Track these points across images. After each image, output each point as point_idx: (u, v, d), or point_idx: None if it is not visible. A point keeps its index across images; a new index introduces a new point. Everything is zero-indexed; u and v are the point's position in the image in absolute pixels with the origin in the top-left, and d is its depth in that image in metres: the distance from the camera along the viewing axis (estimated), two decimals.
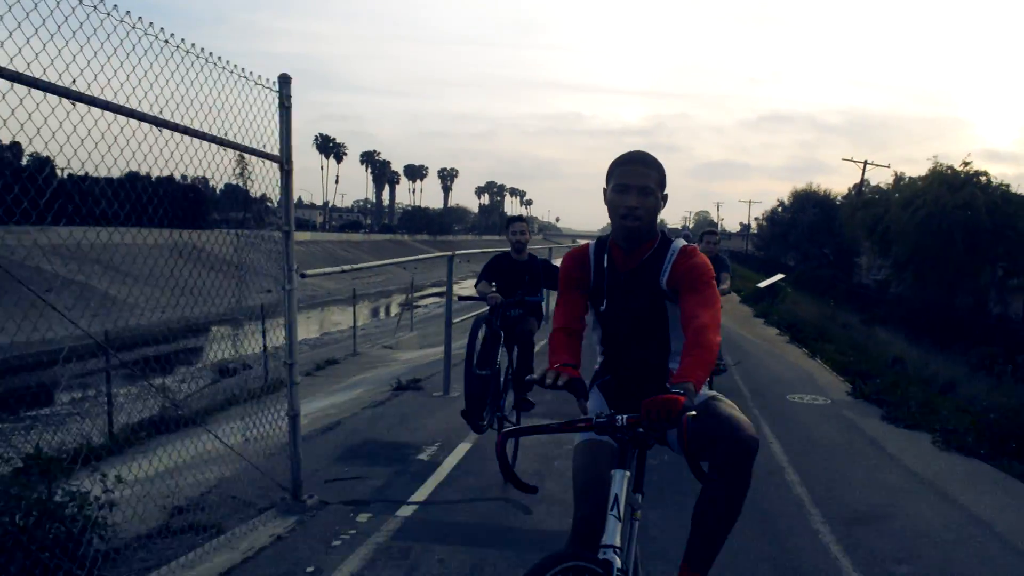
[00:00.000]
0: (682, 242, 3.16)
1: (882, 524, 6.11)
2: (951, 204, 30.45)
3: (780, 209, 59.04)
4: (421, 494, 6.36)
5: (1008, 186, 32.04)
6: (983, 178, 31.84)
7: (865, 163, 51.09)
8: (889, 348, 18.55)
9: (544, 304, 9.37)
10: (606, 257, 3.22)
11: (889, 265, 37.17)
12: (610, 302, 3.22)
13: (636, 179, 3.08)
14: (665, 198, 3.17)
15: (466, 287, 12.03)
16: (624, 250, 3.18)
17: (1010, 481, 7.63)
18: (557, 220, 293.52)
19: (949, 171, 32.57)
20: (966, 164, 32.43)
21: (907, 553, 5.52)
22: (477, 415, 6.75)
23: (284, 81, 5.55)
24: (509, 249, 7.59)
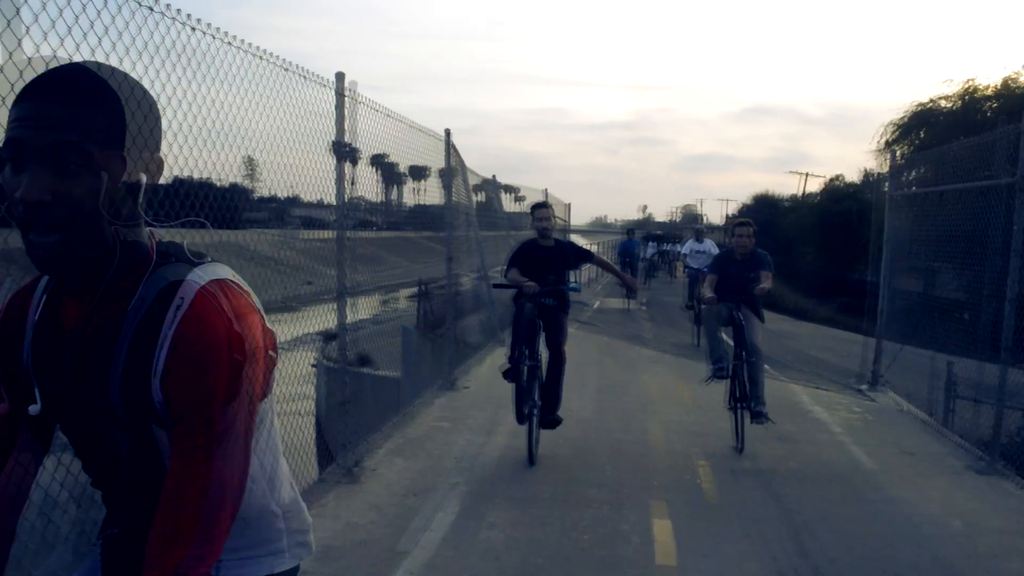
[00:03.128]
0: (197, 286, 1.35)
1: None
2: (835, 210, 37.44)
3: (744, 209, 64.25)
4: None
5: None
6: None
7: (806, 175, 64.63)
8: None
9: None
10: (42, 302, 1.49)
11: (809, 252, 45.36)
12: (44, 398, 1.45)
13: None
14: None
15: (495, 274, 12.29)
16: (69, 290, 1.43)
17: None
18: None
19: (840, 182, 43.12)
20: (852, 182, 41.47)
21: None
22: (520, 396, 6.60)
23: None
24: (535, 236, 7.31)
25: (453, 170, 10.63)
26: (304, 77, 5.56)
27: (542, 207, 7.33)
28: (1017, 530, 5.55)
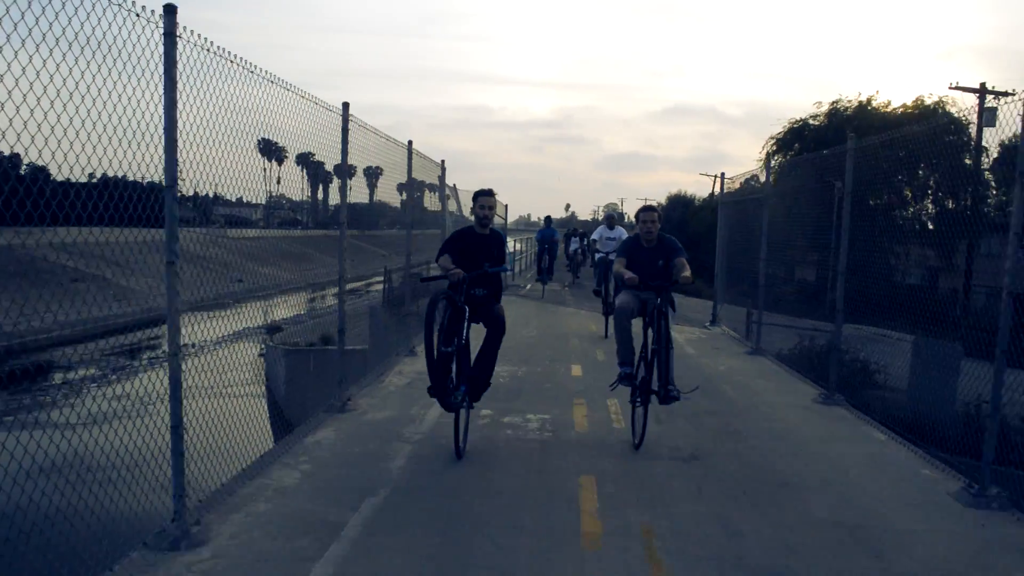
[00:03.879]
0: None
1: None
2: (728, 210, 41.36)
3: (659, 208, 67.39)
4: None
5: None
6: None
7: (721, 175, 65.33)
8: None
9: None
10: None
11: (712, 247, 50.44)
12: None
13: None
14: None
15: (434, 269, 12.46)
16: None
17: None
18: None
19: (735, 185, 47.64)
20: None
21: None
22: (446, 391, 6.37)
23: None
24: (472, 224, 7.22)
25: (368, 168, 10.83)
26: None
27: (487, 195, 7.13)
28: (751, 370, 11.92)
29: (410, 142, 11.76)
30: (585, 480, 6.34)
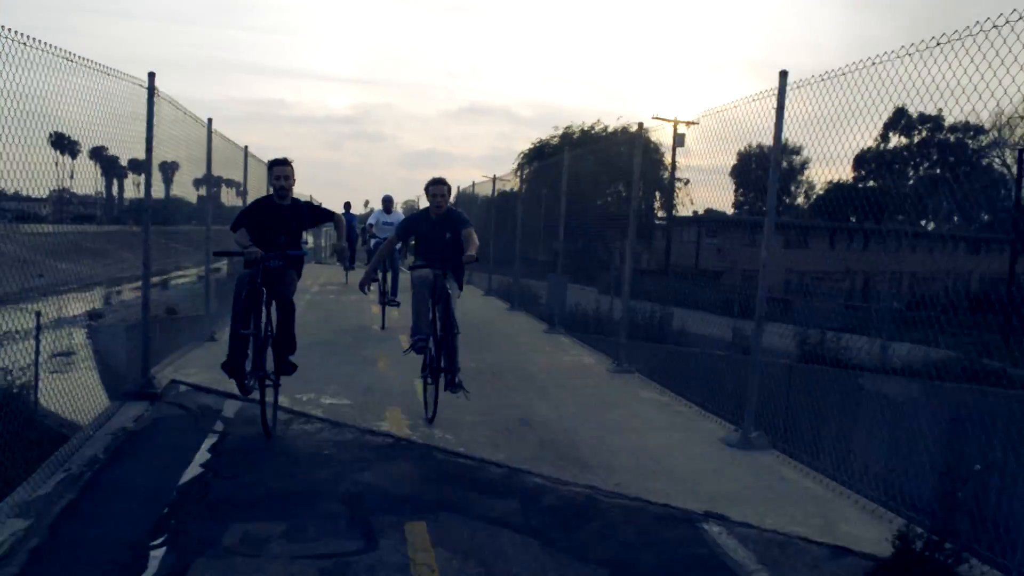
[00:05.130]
0: None
1: None
2: (505, 207, 46.09)
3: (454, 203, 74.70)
4: None
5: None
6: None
7: (494, 177, 74.27)
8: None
9: (314, 249, 9.61)
10: None
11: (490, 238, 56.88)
12: None
13: None
14: None
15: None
16: None
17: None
18: None
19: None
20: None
21: None
22: (241, 374, 6.22)
23: None
24: (271, 193, 6.77)
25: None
26: None
27: (282, 163, 6.65)
28: (502, 317, 16.34)
29: (210, 120, 11.39)
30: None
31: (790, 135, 6.75)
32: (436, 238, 7.15)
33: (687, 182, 16.56)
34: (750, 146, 8.63)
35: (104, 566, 4.22)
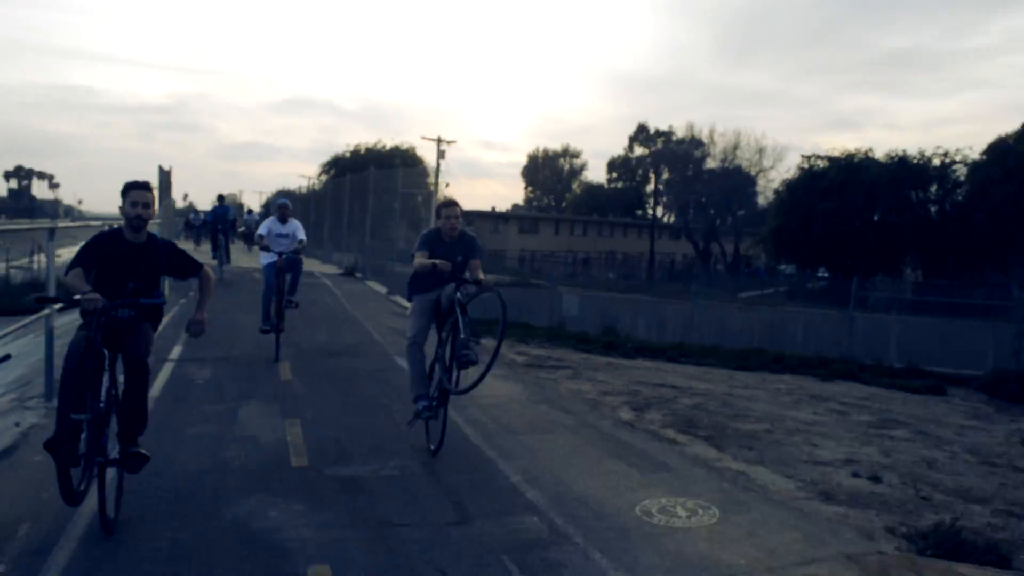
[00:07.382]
0: None
1: None
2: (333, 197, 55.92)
3: (273, 198, 77.26)
4: None
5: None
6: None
7: (309, 178, 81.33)
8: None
9: (169, 302, 10.46)
10: None
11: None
12: None
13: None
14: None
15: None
16: None
17: None
18: (80, 203, 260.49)
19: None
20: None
21: None
22: (67, 476, 4.26)
23: None
24: (121, 225, 4.98)
25: None
26: None
27: (140, 188, 4.96)
28: (374, 296, 19.98)
29: None
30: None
31: None
32: (447, 259, 6.39)
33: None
34: None
35: None
